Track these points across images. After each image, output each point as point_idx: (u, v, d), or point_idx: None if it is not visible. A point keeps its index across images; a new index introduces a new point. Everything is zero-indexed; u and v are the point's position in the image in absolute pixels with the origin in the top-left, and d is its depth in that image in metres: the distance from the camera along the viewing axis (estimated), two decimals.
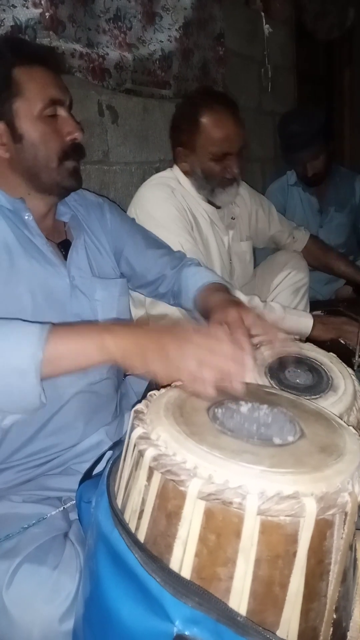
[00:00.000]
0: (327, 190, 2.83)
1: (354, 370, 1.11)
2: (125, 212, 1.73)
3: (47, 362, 0.80)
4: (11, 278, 1.09)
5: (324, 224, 2.83)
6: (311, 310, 2.06)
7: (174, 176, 1.89)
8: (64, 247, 1.23)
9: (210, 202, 1.90)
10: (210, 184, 1.82)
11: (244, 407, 0.73)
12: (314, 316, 1.71)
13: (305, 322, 1.67)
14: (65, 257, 1.22)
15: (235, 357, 0.82)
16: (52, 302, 1.15)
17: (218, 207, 1.93)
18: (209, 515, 0.56)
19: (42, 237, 1.17)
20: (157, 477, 0.60)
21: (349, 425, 0.76)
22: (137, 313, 1.87)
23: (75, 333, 0.85)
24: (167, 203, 1.76)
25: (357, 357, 1.34)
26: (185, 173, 1.86)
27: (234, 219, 2.02)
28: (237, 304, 1.18)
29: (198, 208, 1.88)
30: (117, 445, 0.94)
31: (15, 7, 1.61)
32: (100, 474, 0.89)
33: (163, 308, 1.77)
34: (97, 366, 0.86)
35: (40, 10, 1.66)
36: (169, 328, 0.87)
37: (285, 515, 0.54)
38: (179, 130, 1.85)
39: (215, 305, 1.19)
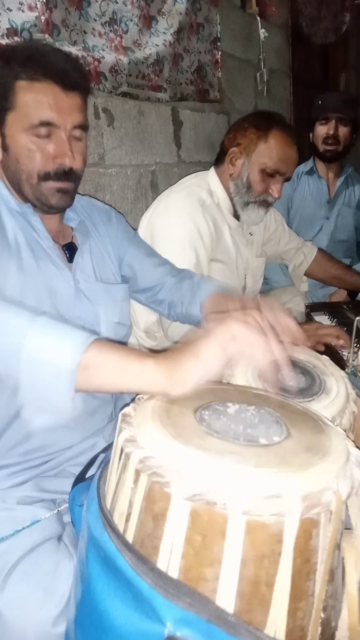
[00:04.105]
0: (338, 182, 2.86)
1: (346, 372, 1.11)
2: (125, 216, 1.74)
3: (84, 367, 0.76)
4: (19, 276, 1.10)
5: (330, 215, 2.85)
6: (315, 311, 2.07)
7: (207, 184, 1.89)
8: (69, 250, 1.24)
9: (235, 216, 1.91)
10: (248, 197, 1.82)
11: (231, 409, 0.74)
12: None
13: None
14: (70, 260, 1.23)
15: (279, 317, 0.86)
16: (57, 304, 1.15)
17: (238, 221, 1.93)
18: (194, 516, 0.56)
19: (50, 240, 1.18)
20: (143, 480, 0.61)
21: (341, 428, 0.77)
22: (148, 318, 1.86)
23: (120, 350, 0.79)
24: (191, 221, 1.75)
25: (350, 360, 1.34)
26: (230, 176, 1.84)
27: (252, 234, 2.02)
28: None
29: (223, 222, 1.87)
30: (110, 447, 0.94)
31: (10, 10, 1.62)
32: (93, 476, 0.90)
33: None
34: (134, 389, 0.80)
35: (36, 14, 1.66)
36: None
37: (270, 515, 0.55)
38: (242, 132, 1.82)
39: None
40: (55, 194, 1.15)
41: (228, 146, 1.85)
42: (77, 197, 1.35)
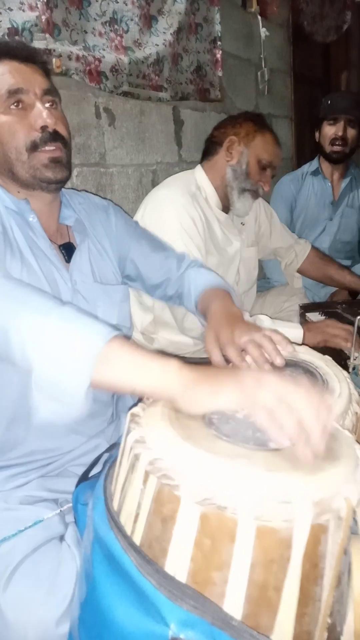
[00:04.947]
0: (343, 183, 2.86)
1: (349, 373, 1.11)
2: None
3: (105, 358, 0.74)
4: (23, 274, 1.10)
5: (334, 216, 2.86)
6: (310, 311, 2.07)
7: (194, 179, 1.92)
8: (66, 250, 1.23)
9: (224, 208, 1.95)
10: (245, 183, 1.88)
11: (240, 413, 0.74)
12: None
13: (295, 333, 1.67)
14: (66, 260, 1.22)
15: (318, 407, 0.69)
16: None
17: (226, 213, 1.97)
18: (203, 519, 0.56)
19: (46, 240, 1.17)
20: (152, 481, 0.61)
21: (344, 429, 0.77)
22: (144, 318, 1.86)
23: (143, 349, 0.77)
24: (184, 211, 1.77)
25: (352, 360, 1.34)
26: (227, 162, 1.88)
27: (243, 224, 2.06)
28: (234, 319, 1.16)
29: (212, 216, 1.91)
30: (114, 447, 0.94)
31: (11, 10, 1.61)
32: (96, 476, 0.90)
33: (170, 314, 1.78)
34: (148, 387, 0.76)
35: (36, 13, 1.66)
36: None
37: (280, 520, 0.55)
38: (238, 124, 1.90)
39: (211, 317, 1.20)
40: (48, 165, 1.14)
41: (221, 138, 1.90)
42: (73, 193, 1.36)
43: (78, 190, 1.41)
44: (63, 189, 1.27)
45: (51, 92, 1.17)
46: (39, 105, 1.13)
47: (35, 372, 0.76)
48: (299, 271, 2.39)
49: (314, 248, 2.39)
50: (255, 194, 1.92)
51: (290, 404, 0.68)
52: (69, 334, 0.75)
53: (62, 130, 1.17)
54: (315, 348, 1.17)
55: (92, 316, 0.81)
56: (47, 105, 1.15)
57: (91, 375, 0.73)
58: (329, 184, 2.84)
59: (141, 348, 0.77)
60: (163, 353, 0.78)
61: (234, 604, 0.57)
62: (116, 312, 1.28)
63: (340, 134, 2.67)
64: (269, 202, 2.77)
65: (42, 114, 1.12)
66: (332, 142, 2.70)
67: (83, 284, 1.22)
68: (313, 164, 2.88)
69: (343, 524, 0.57)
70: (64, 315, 0.78)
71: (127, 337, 0.80)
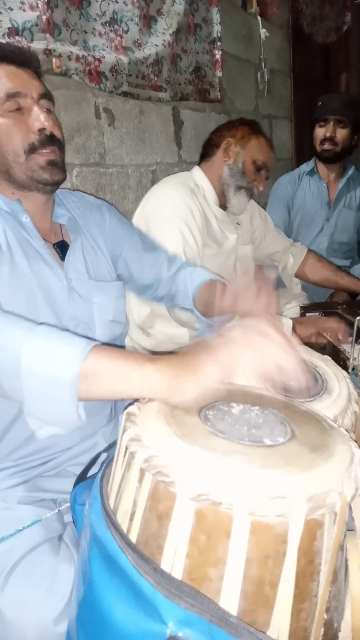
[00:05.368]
0: (340, 184, 2.87)
1: (348, 373, 1.11)
2: (126, 216, 1.74)
3: (84, 378, 0.75)
4: (12, 277, 1.10)
5: (331, 217, 2.86)
6: (310, 312, 2.07)
7: (193, 178, 1.99)
8: (60, 248, 1.24)
9: (220, 206, 2.02)
10: (241, 181, 1.95)
11: (235, 409, 0.73)
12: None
13: (285, 323, 1.67)
14: (61, 258, 1.22)
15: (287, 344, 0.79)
16: (50, 304, 1.15)
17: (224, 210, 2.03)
18: (199, 515, 0.56)
19: (40, 239, 1.17)
20: (148, 479, 0.60)
21: (343, 428, 0.76)
22: (142, 312, 1.88)
23: (118, 357, 0.78)
24: (181, 201, 1.83)
25: (351, 360, 1.34)
26: (224, 162, 1.96)
27: (239, 224, 2.11)
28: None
29: (210, 212, 1.96)
30: (112, 447, 0.94)
31: (12, 9, 1.62)
32: (94, 476, 0.89)
33: None
34: (134, 395, 0.77)
35: (37, 13, 1.66)
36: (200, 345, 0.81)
37: (275, 515, 0.55)
38: (234, 128, 1.99)
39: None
40: (45, 167, 1.15)
41: (218, 140, 1.99)
42: (67, 192, 1.37)
43: (72, 190, 1.41)
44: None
45: (47, 97, 1.19)
46: (36, 108, 1.15)
47: (25, 403, 0.80)
48: (297, 275, 2.40)
49: (310, 251, 2.41)
50: (250, 193, 1.99)
51: (264, 352, 0.77)
52: (45, 364, 0.78)
53: (58, 133, 1.19)
54: (315, 348, 1.17)
55: (64, 327, 0.82)
56: (44, 108, 1.17)
57: (77, 397, 0.77)
58: (324, 185, 2.85)
59: (118, 354, 0.78)
60: (152, 352, 0.79)
61: (230, 600, 0.57)
62: (112, 308, 1.28)
63: (328, 134, 2.70)
64: (265, 204, 2.78)
65: (39, 117, 1.14)
66: (322, 143, 2.74)
67: (78, 282, 1.22)
68: (309, 164, 2.90)
69: (338, 519, 0.57)
70: (36, 343, 0.80)
71: (105, 345, 0.82)
